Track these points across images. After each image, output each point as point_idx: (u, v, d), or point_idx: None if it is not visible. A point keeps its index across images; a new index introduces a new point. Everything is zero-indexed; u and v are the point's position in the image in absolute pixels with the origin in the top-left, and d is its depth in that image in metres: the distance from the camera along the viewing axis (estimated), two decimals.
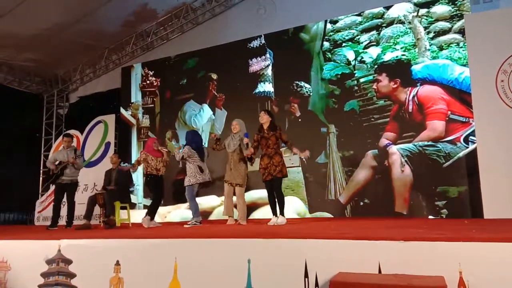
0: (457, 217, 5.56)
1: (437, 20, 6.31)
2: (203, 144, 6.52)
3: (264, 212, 6.75)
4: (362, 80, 6.76)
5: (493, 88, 5.33)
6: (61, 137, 9.32)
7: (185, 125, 8.34)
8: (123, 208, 6.39)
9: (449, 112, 6.03)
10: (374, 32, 6.76)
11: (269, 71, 7.61)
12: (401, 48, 6.52)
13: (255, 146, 5.25)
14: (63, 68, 10.05)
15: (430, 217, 5.88)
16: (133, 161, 8.58)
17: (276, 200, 5.08)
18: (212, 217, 7.44)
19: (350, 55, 6.90)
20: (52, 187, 8.60)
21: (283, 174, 5.06)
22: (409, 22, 6.51)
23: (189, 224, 5.69)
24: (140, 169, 7.08)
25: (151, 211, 5.98)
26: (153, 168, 5.97)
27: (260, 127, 5.27)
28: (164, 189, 6.25)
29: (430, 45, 6.30)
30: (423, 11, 6.41)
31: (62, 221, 6.77)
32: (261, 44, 7.74)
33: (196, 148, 5.93)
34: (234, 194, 5.73)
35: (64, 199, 6.59)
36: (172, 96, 8.63)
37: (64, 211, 6.66)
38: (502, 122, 5.24)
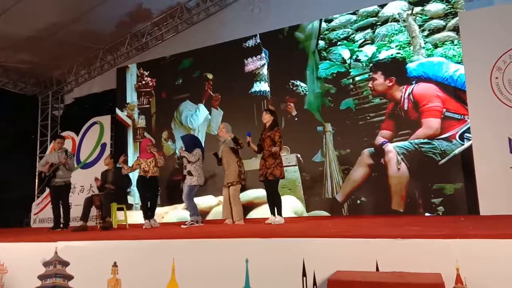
0: (453, 214, 5.59)
1: (431, 18, 6.33)
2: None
3: (261, 212, 6.76)
4: (357, 78, 6.78)
5: (487, 85, 5.36)
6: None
7: (181, 125, 8.33)
8: (119, 209, 6.38)
9: (444, 109, 6.05)
10: (369, 30, 6.78)
11: (264, 71, 7.61)
12: (396, 46, 6.54)
13: (258, 145, 5.27)
14: (57, 69, 10.01)
15: (427, 214, 5.91)
16: (129, 163, 8.60)
17: (273, 201, 5.08)
18: (209, 217, 7.44)
19: (346, 54, 6.91)
20: (48, 190, 8.58)
21: (275, 176, 5.01)
22: (404, 20, 6.53)
23: (186, 225, 5.70)
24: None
25: (144, 213, 6.01)
26: (142, 170, 5.99)
27: (264, 127, 5.27)
28: (152, 190, 6.20)
29: (424, 43, 6.33)
30: (417, 9, 6.44)
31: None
32: (256, 43, 7.74)
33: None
34: None
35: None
36: (167, 96, 8.62)
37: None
38: (497, 119, 5.27)
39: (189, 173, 5.92)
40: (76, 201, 6.92)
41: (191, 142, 6.14)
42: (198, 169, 5.93)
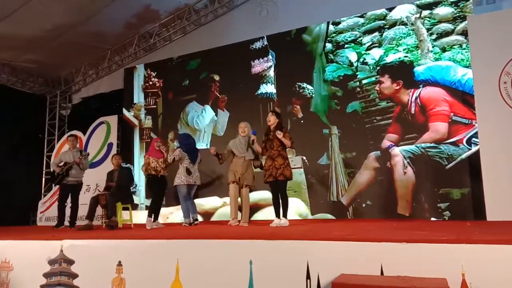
0: (459, 219, 5.54)
1: (439, 21, 6.30)
2: (197, 146, 6.62)
3: (266, 213, 6.76)
4: (364, 81, 6.75)
5: (496, 89, 5.32)
6: (64, 138, 9.35)
7: (187, 126, 8.35)
8: (125, 209, 6.40)
9: (451, 113, 6.01)
10: (376, 33, 6.76)
11: (271, 73, 7.61)
12: (404, 50, 6.51)
13: (263, 147, 5.26)
14: (66, 69, 10.08)
15: (433, 219, 5.87)
16: (135, 163, 8.64)
17: (281, 202, 5.06)
18: (214, 218, 7.44)
19: (353, 57, 6.90)
20: (55, 188, 8.64)
21: (286, 177, 5.01)
22: (412, 24, 6.50)
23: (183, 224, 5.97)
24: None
25: (150, 212, 6.03)
26: (152, 169, 6.01)
27: (268, 129, 5.26)
28: (163, 189, 6.26)
29: (432, 47, 6.29)
30: (425, 12, 6.41)
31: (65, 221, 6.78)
32: (263, 45, 7.75)
33: (187, 150, 6.09)
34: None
35: (68, 199, 6.63)
36: (174, 97, 8.64)
37: (67, 211, 6.69)
38: (505, 124, 5.23)
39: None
40: (82, 200, 6.94)
41: (181, 142, 6.36)
42: (180, 168, 6.02)
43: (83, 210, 6.77)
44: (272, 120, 5.18)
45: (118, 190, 6.33)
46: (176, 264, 3.20)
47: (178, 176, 6.01)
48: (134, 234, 4.50)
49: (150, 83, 8.94)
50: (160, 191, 6.16)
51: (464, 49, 6.03)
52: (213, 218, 7.44)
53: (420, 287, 2.23)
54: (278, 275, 2.84)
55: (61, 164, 6.58)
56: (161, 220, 6.55)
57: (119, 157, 6.77)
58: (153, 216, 5.98)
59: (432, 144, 6.07)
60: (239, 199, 5.70)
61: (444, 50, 6.21)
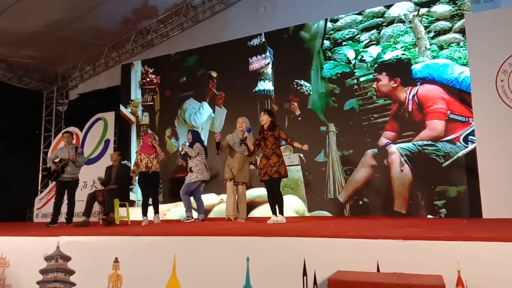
0: (456, 217, 5.57)
1: (437, 19, 6.31)
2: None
3: (263, 210, 6.76)
4: (362, 79, 6.76)
5: (493, 88, 5.33)
6: (60, 134, 9.32)
7: (185, 123, 8.34)
8: (122, 205, 6.40)
9: (448, 111, 6.03)
10: (374, 31, 6.76)
11: (269, 70, 7.60)
12: (401, 47, 6.51)
13: (256, 145, 5.25)
14: (62, 65, 10.04)
15: (429, 216, 5.89)
16: (132, 159, 8.62)
17: (275, 200, 5.06)
18: (211, 215, 7.44)
19: (350, 54, 6.90)
20: (51, 184, 8.62)
21: (280, 175, 4.98)
22: (410, 21, 6.51)
23: (182, 220, 5.92)
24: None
25: (145, 210, 6.04)
26: (144, 166, 6.00)
27: (261, 128, 5.25)
28: (157, 185, 6.28)
29: (430, 45, 6.30)
30: (423, 10, 6.41)
31: (61, 218, 6.77)
32: (261, 42, 7.73)
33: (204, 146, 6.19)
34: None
35: (65, 196, 6.60)
36: (172, 94, 8.63)
37: (64, 208, 6.67)
38: (501, 122, 5.24)
39: (190, 170, 5.98)
40: (79, 196, 6.93)
41: (198, 138, 6.28)
42: (198, 164, 5.97)
43: (80, 207, 6.76)
44: (264, 119, 5.16)
45: (116, 187, 6.32)
46: (173, 260, 3.20)
47: (199, 171, 5.95)
48: (131, 231, 4.49)
49: (148, 79, 8.92)
50: (153, 187, 6.15)
51: (462, 47, 6.04)
52: (210, 215, 7.44)
53: (416, 284, 2.24)
54: (275, 272, 2.84)
55: (56, 161, 6.56)
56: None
57: (118, 154, 6.77)
58: (150, 211, 6.01)
59: (429, 142, 6.09)
60: (236, 196, 5.72)
61: (441, 48, 6.22)
